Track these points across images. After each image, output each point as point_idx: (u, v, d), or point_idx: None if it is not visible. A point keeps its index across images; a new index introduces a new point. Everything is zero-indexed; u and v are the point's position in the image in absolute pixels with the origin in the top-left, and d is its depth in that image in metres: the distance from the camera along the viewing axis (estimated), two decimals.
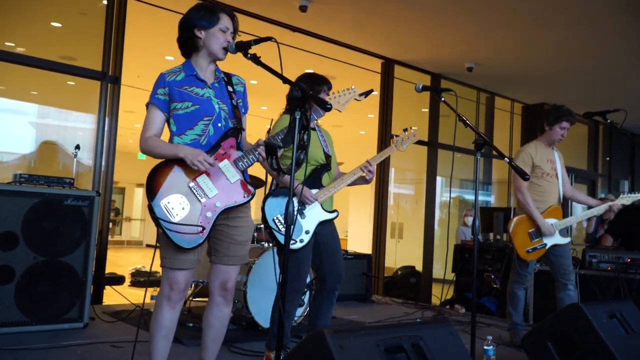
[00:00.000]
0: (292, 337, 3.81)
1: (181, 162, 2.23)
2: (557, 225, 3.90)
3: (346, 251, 6.28)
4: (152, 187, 2.20)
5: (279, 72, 2.14)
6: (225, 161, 2.28)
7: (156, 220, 2.17)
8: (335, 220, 3.13)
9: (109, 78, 5.00)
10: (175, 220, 2.17)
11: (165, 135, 2.36)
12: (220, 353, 3.48)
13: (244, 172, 2.33)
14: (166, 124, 2.35)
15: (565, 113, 3.97)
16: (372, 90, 2.99)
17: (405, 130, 3.27)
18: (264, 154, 2.29)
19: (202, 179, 2.25)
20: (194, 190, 2.23)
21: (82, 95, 5.28)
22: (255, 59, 2.20)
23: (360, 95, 2.90)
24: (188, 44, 2.35)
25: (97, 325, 3.95)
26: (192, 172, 2.24)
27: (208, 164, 2.18)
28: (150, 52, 7.10)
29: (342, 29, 6.21)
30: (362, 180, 3.15)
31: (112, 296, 5.12)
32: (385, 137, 7.11)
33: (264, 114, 9.02)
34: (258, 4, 5.59)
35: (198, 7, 2.36)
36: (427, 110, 7.74)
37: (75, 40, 5.36)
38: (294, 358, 1.81)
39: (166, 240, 2.20)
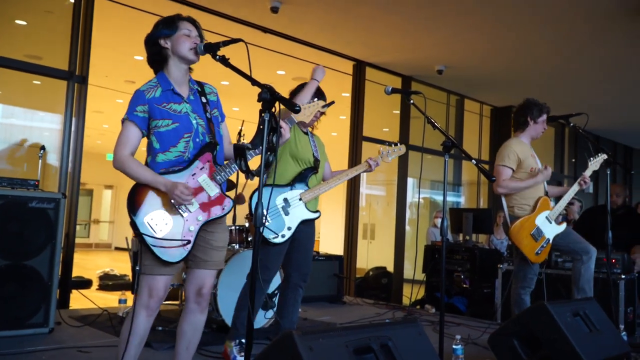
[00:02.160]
0: (262, 339, 3.82)
1: None
2: (551, 216, 3.89)
3: (318, 252, 6.29)
4: (134, 203, 2.21)
5: (249, 73, 2.14)
6: (204, 176, 2.30)
7: (140, 236, 2.19)
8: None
9: (76, 78, 4.90)
10: (159, 235, 2.20)
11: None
12: None
13: (222, 184, 2.34)
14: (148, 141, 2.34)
15: (545, 107, 4.04)
16: (333, 102, 3.18)
17: (395, 144, 3.51)
18: (238, 168, 2.33)
19: None
20: (177, 206, 2.24)
21: (48, 95, 5.17)
22: (224, 61, 2.19)
23: (324, 107, 3.06)
24: (157, 57, 2.35)
25: (63, 330, 3.86)
26: None
27: (184, 198, 2.19)
28: (119, 51, 6.99)
29: (313, 30, 6.23)
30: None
31: (79, 300, 5.02)
32: (356, 139, 7.15)
33: (235, 115, 8.96)
34: (229, 5, 5.56)
35: (157, 23, 2.37)
36: (398, 112, 7.81)
37: (41, 38, 5.24)
38: (263, 359, 1.81)
39: (151, 255, 2.21)
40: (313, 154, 3.33)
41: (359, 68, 7.20)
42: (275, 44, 6.46)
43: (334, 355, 1.75)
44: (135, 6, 5.42)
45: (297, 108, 2.09)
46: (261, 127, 2.03)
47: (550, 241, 3.90)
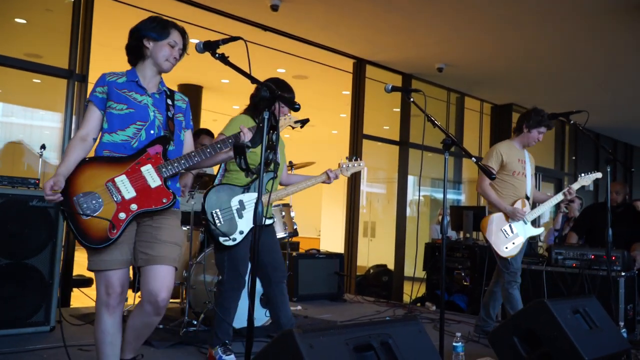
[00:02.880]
0: (262, 337, 3.83)
1: (102, 161, 2.26)
2: (528, 216, 4.02)
3: (318, 250, 6.30)
4: (67, 183, 2.20)
5: (248, 72, 2.14)
6: (149, 165, 2.28)
7: (64, 213, 2.18)
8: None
9: (76, 76, 4.90)
10: (86, 215, 2.17)
11: None
12: (191, 355, 3.46)
13: (167, 179, 2.30)
14: None
15: (545, 119, 4.07)
16: (308, 120, 3.07)
17: (356, 159, 3.46)
18: (189, 164, 2.31)
19: (121, 179, 2.25)
20: (110, 189, 2.22)
21: (48, 94, 5.17)
22: (224, 59, 2.20)
23: (296, 122, 2.98)
24: (135, 51, 2.40)
25: (64, 329, 3.84)
26: (112, 171, 2.25)
27: (52, 190, 2.15)
28: (119, 50, 6.93)
29: (314, 28, 6.22)
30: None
31: (80, 299, 5.02)
32: (357, 137, 7.15)
33: (235, 113, 8.96)
34: (229, 3, 5.56)
35: (152, 18, 2.41)
36: (398, 110, 7.81)
37: (41, 37, 5.24)
38: (264, 358, 1.81)
39: (92, 250, 2.20)
40: None
41: (359, 66, 7.19)
42: (275, 42, 6.46)
43: (334, 352, 1.75)
44: (135, 4, 5.42)
45: (297, 106, 2.09)
46: (260, 125, 2.02)
47: (524, 239, 4.02)
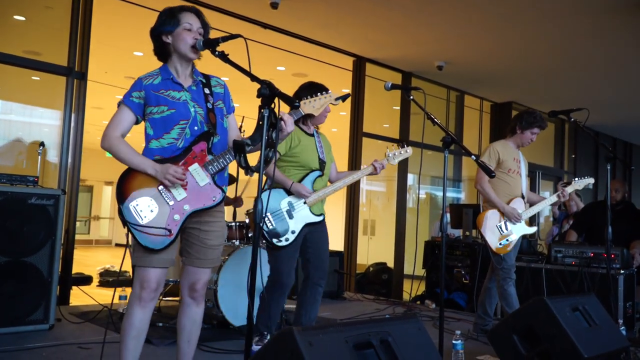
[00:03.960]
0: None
1: None
2: (523, 215, 4.07)
3: None
4: (122, 190, 2.22)
5: (248, 69, 2.13)
6: (196, 165, 2.28)
7: (124, 222, 2.20)
8: None
9: (75, 74, 4.89)
10: (144, 222, 2.19)
11: (135, 139, 2.32)
12: None
13: (214, 175, 2.31)
14: (144, 128, 2.34)
15: (538, 120, 4.12)
16: (349, 95, 3.08)
17: (402, 145, 3.55)
18: (234, 158, 2.30)
19: None
20: (163, 194, 2.23)
21: (48, 91, 5.16)
22: (223, 57, 2.19)
23: (337, 99, 2.90)
24: (161, 51, 2.37)
25: (64, 327, 3.86)
26: None
27: (178, 178, 2.19)
28: (118, 47, 6.98)
29: (313, 26, 6.21)
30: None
31: (80, 297, 5.02)
32: (356, 135, 7.14)
33: (235, 111, 8.95)
34: (229, 1, 5.55)
35: (161, 13, 2.36)
36: (398, 108, 7.80)
37: (40, 34, 5.23)
38: (263, 356, 1.81)
39: (135, 241, 2.22)
40: (319, 156, 3.33)
41: (359, 64, 7.18)
42: (275, 39, 6.45)
43: (333, 350, 1.74)
44: (135, 2, 5.40)
45: (297, 104, 2.09)
46: (260, 122, 2.02)
47: (517, 237, 4.06)
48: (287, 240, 3.14)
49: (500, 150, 4.13)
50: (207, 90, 2.38)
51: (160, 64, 2.41)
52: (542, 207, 4.22)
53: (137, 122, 2.33)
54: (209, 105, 2.35)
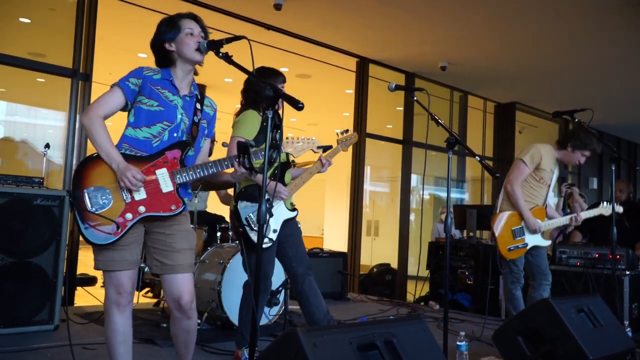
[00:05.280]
0: (266, 336, 3.83)
1: None
2: (542, 226, 3.94)
3: (322, 249, 6.30)
4: (80, 175, 2.18)
5: (252, 71, 2.14)
6: (164, 170, 2.24)
7: (71, 207, 2.15)
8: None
9: (80, 75, 4.91)
10: (92, 209, 2.15)
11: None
12: (195, 353, 3.46)
13: (179, 186, 2.27)
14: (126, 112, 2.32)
15: (594, 143, 3.91)
16: (331, 146, 3.02)
17: (345, 131, 3.31)
18: (204, 174, 2.28)
19: None
20: (122, 190, 2.19)
21: (52, 93, 5.18)
22: (227, 58, 2.19)
23: (319, 147, 2.83)
24: (164, 60, 2.36)
25: (68, 328, 3.87)
26: None
27: (132, 183, 2.14)
28: (122, 49, 6.99)
29: (317, 27, 6.22)
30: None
31: (84, 297, 5.03)
32: (360, 135, 7.14)
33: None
34: (232, 2, 5.56)
35: (159, 25, 2.36)
36: (401, 108, 7.80)
37: (44, 36, 5.25)
38: (267, 356, 1.81)
39: (103, 250, 2.18)
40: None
41: (363, 65, 7.18)
42: (278, 41, 6.45)
43: (338, 351, 1.75)
44: (139, 3, 5.42)
45: (301, 105, 2.09)
46: (264, 124, 2.02)
47: (528, 247, 3.93)
48: (270, 240, 3.02)
49: (544, 157, 3.94)
50: (198, 106, 2.38)
51: None
52: (559, 224, 4.11)
53: (124, 108, 2.29)
54: (196, 119, 2.34)
